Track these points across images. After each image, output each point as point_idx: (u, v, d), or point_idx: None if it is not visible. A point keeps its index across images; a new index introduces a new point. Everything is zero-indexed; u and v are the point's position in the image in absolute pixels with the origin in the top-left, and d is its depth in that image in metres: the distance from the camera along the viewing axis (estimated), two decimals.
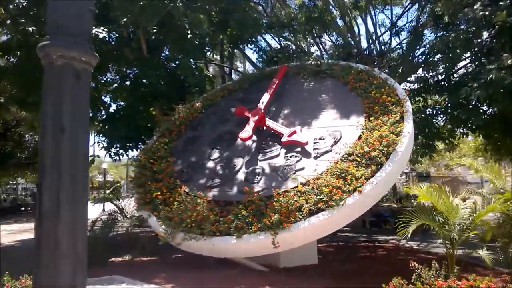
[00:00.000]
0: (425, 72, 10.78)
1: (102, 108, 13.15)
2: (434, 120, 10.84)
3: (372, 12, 14.18)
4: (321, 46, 14.60)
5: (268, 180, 6.96)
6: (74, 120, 1.66)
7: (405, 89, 9.53)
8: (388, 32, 14.55)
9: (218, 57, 16.91)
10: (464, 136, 11.87)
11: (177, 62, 12.22)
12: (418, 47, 12.48)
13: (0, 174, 23.17)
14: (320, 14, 10.80)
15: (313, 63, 9.70)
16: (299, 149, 7.29)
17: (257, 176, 7.09)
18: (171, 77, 12.21)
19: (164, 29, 11.11)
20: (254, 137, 7.88)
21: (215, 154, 8.10)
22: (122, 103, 13.30)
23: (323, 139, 7.27)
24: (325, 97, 8.57)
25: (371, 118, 7.22)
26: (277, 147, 7.57)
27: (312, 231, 6.12)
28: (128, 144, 12.41)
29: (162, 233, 6.53)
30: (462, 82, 9.29)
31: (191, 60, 11.89)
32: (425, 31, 12.67)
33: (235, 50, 15.44)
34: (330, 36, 14.64)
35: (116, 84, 13.25)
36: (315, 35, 13.36)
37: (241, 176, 7.30)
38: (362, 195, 6.06)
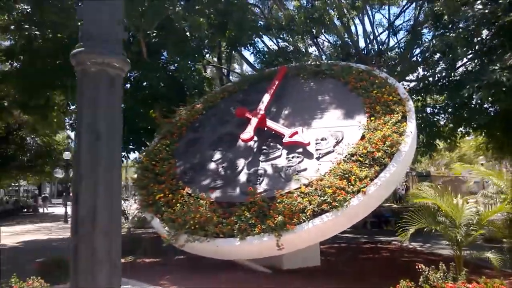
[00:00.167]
0: (425, 71, 10.77)
1: None
2: (435, 119, 10.83)
3: (370, 12, 14.21)
4: (319, 47, 14.61)
5: (270, 181, 6.96)
6: (109, 127, 1.65)
7: (404, 88, 9.52)
8: (386, 32, 14.59)
9: (215, 59, 16.93)
10: (465, 135, 11.86)
11: (176, 64, 12.25)
12: (416, 46, 12.48)
13: (2, 176, 23.22)
14: (319, 15, 10.80)
15: (312, 63, 9.70)
16: (301, 150, 7.29)
17: (259, 177, 7.09)
18: (171, 80, 12.24)
19: (163, 32, 11.13)
20: (255, 138, 7.88)
21: (217, 155, 8.10)
22: (122, 106, 13.33)
23: (325, 139, 7.26)
24: (325, 98, 8.56)
25: (373, 118, 7.21)
26: (279, 148, 7.56)
27: (316, 233, 6.11)
28: (129, 147, 12.42)
29: (166, 235, 6.53)
30: (463, 81, 9.28)
31: (190, 62, 11.92)
32: (424, 30, 12.66)
33: (233, 52, 15.46)
34: (329, 36, 14.65)
35: None
36: (313, 36, 13.37)
37: (243, 177, 7.29)
38: (366, 196, 6.05)
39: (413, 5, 13.42)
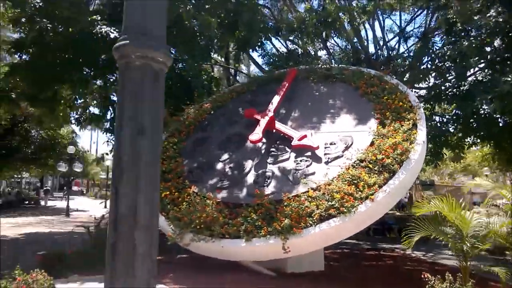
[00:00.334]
0: (437, 80, 10.71)
1: (110, 106, 13.21)
2: (443, 128, 10.77)
3: (380, 17, 14.17)
4: (329, 51, 14.58)
5: (278, 184, 6.92)
6: (152, 122, 1.61)
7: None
8: (396, 38, 14.53)
9: (222, 59, 16.90)
10: (473, 145, 11.78)
11: (184, 63, 12.23)
12: (427, 54, 12.41)
13: (5, 167, 23.31)
14: (332, 18, 10.78)
15: (323, 67, 9.67)
16: (309, 153, 7.25)
17: (266, 179, 7.05)
18: (179, 78, 12.22)
19: (172, 30, 11.11)
20: (264, 140, 7.86)
21: (224, 155, 8.08)
22: None
23: (334, 144, 7.23)
24: (335, 102, 8.53)
25: (383, 124, 7.17)
26: (287, 150, 7.53)
27: (323, 238, 6.07)
28: None
29: (171, 233, 6.50)
30: (473, 91, 9.22)
31: (199, 61, 11.90)
32: (435, 38, 12.61)
33: (242, 53, 15.46)
34: (339, 40, 14.62)
35: None
36: (324, 39, 13.34)
37: (250, 178, 7.26)
38: (374, 203, 6.00)
39: (424, 12, 13.36)
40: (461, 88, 10.08)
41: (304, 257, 6.90)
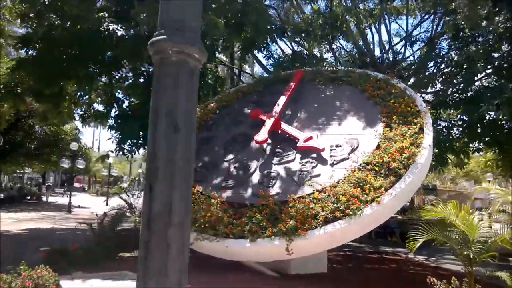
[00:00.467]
0: (444, 85, 10.67)
1: (114, 104, 13.22)
2: (449, 133, 10.74)
3: (387, 21, 14.16)
4: (335, 53, 14.56)
5: (283, 185, 6.92)
6: (187, 119, 1.60)
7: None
8: (402, 42, 14.51)
9: (226, 59, 16.88)
10: (478, 151, 11.74)
11: None
12: (433, 60, 12.38)
13: (8, 162, 23.37)
14: (340, 23, 10.78)
15: (329, 69, 9.66)
16: (315, 155, 7.25)
17: (271, 180, 7.05)
18: None
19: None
20: (269, 141, 7.85)
21: (229, 155, 8.08)
22: (133, 100, 13.35)
23: (340, 146, 7.22)
24: (341, 104, 8.52)
25: (390, 128, 7.16)
26: (292, 151, 7.53)
27: (328, 240, 6.06)
28: (140, 141, 12.43)
29: None
30: (480, 96, 9.20)
31: (205, 61, 11.87)
32: (442, 43, 12.59)
33: (248, 54, 15.44)
34: (345, 43, 14.61)
35: (130, 81, 13.30)
36: (330, 41, 13.33)
37: (255, 179, 7.26)
38: (380, 206, 5.99)
39: (431, 16, 13.33)
40: (468, 93, 10.06)
41: (308, 259, 6.90)
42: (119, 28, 10.02)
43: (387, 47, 14.33)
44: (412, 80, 12.87)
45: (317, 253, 6.79)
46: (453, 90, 10.24)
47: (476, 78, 10.69)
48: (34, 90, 11.92)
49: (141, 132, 12.20)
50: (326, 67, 9.76)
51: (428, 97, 12.77)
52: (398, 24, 16.91)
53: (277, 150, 7.72)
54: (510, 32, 8.35)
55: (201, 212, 6.48)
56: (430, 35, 13.10)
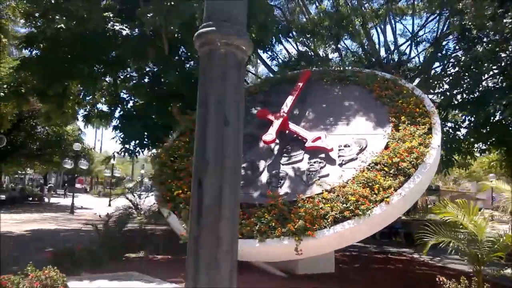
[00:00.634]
0: (451, 86, 10.62)
1: (119, 104, 13.20)
2: (456, 134, 10.70)
3: (392, 21, 14.14)
4: (341, 53, 14.55)
5: (291, 185, 6.90)
6: (236, 112, 1.58)
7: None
8: (407, 43, 14.49)
9: None
10: (485, 151, 11.70)
11: (194, 62, 12.21)
12: (440, 61, 12.35)
13: (10, 163, 23.32)
14: (347, 22, 10.77)
15: (336, 69, 9.65)
16: (323, 155, 7.23)
17: (280, 180, 7.03)
18: (189, 77, 12.20)
19: (184, 28, 11.08)
20: (276, 141, 7.83)
21: None
22: (138, 100, 13.32)
23: (348, 146, 7.20)
24: (349, 104, 8.50)
25: (398, 128, 7.14)
26: (300, 151, 7.50)
27: (337, 239, 6.04)
28: (144, 142, 12.39)
29: (184, 232, 6.46)
30: (487, 97, 9.17)
31: None
32: (449, 44, 12.56)
33: (253, 54, 15.42)
34: (351, 43, 14.59)
35: (135, 81, 13.27)
36: (336, 41, 13.31)
37: (263, 179, 7.23)
38: (390, 206, 5.97)
39: (437, 17, 13.31)
40: (475, 94, 10.02)
41: (315, 259, 6.86)
42: (124, 28, 9.99)
43: (392, 47, 14.32)
44: (417, 81, 12.85)
45: (325, 253, 6.75)
46: (460, 90, 10.20)
47: (482, 79, 10.66)
48: (37, 90, 11.89)
49: (145, 133, 12.18)
50: (333, 67, 9.72)
51: (434, 97, 12.74)
52: (403, 25, 16.99)
53: (284, 150, 7.69)
54: None
55: None
56: (435, 35, 13.08)
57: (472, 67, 9.16)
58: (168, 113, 11.90)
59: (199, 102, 1.62)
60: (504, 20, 8.35)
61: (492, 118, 9.43)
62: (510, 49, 9.01)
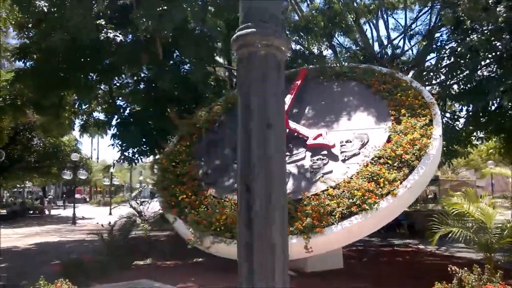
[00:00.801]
0: (447, 77, 10.67)
1: (116, 111, 13.12)
2: (455, 124, 10.76)
3: (384, 16, 14.19)
4: (336, 50, 14.57)
5: (295, 183, 6.89)
6: (278, 115, 1.56)
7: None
8: (400, 36, 14.54)
9: (222, 60, 16.80)
10: (485, 140, 11.74)
11: (189, 66, 12.17)
12: (434, 52, 12.39)
13: (8, 177, 23.11)
14: (340, 19, 10.79)
15: (332, 65, 9.66)
16: (325, 152, 7.23)
17: None
18: (184, 81, 12.17)
19: (178, 32, 11.06)
20: None
21: None
22: (134, 107, 13.25)
23: (350, 142, 7.21)
24: (348, 100, 8.51)
25: (399, 121, 7.17)
26: (302, 149, 7.50)
27: (345, 235, 6.04)
28: (143, 148, 12.33)
29: (191, 237, 6.45)
30: (484, 85, 9.21)
31: (206, 64, 11.84)
32: (442, 35, 12.62)
33: None
34: (344, 39, 14.61)
35: (131, 88, 13.20)
36: (330, 38, 13.33)
37: None
38: (396, 199, 5.99)
39: (429, 10, 13.36)
40: (472, 84, 10.07)
41: (323, 256, 6.86)
42: (118, 34, 9.94)
43: (385, 42, 14.37)
44: (411, 73, 12.89)
45: (333, 250, 6.76)
46: (457, 80, 10.25)
47: (478, 68, 10.71)
48: (33, 101, 11.80)
49: (143, 139, 12.12)
50: (329, 64, 9.74)
51: (430, 89, 12.79)
52: (395, 19, 16.97)
53: (286, 149, 7.68)
54: (511, 21, 8.36)
55: (215, 215, 6.43)
56: (428, 28, 13.14)
57: (468, 56, 9.20)
58: (165, 118, 11.86)
59: (240, 105, 1.60)
60: (498, 9, 8.40)
61: (490, 106, 9.48)
62: (506, 38, 9.07)
